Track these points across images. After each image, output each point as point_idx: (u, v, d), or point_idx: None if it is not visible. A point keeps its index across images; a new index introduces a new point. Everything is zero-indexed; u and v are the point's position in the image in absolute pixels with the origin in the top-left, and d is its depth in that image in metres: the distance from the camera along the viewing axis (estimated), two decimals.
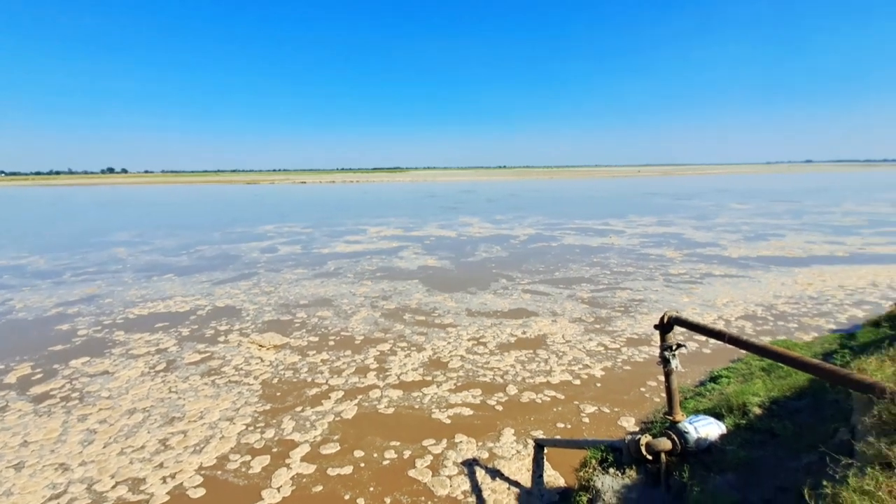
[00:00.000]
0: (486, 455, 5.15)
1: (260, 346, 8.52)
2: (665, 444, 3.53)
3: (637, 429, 5.51)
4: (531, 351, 7.87)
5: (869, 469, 1.81)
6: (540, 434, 5.48)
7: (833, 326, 8.48)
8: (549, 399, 6.30)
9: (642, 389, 6.45)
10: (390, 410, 6.19)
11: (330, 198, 55.20)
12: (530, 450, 5.22)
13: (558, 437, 5.45)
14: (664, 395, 4.62)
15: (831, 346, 6.71)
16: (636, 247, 17.62)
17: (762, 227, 22.49)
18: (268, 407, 6.35)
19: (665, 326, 3.62)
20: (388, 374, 7.24)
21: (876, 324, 6.98)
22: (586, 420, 5.79)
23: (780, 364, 4.29)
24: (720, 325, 7.67)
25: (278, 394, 6.70)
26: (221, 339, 8.97)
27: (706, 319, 8.94)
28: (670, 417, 3.76)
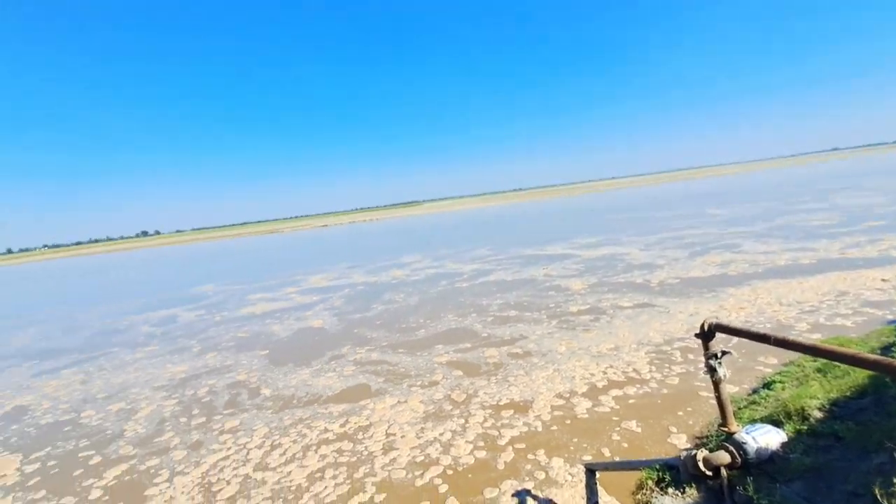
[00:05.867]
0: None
1: None
2: (724, 457, 3.42)
3: (690, 445, 5.31)
4: (344, 446, 6.36)
5: None
6: (588, 458, 5.33)
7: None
8: None
9: None
10: None
11: (338, 239, 55.52)
12: (581, 476, 5.08)
13: (610, 459, 5.31)
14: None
15: (889, 338, 6.36)
16: (561, 277, 15.52)
17: (717, 238, 19.61)
18: None
19: (706, 335, 3.56)
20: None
21: None
22: None
23: (836, 363, 4.13)
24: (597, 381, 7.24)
25: None
26: None
27: (591, 371, 7.76)
28: (725, 429, 3.64)
